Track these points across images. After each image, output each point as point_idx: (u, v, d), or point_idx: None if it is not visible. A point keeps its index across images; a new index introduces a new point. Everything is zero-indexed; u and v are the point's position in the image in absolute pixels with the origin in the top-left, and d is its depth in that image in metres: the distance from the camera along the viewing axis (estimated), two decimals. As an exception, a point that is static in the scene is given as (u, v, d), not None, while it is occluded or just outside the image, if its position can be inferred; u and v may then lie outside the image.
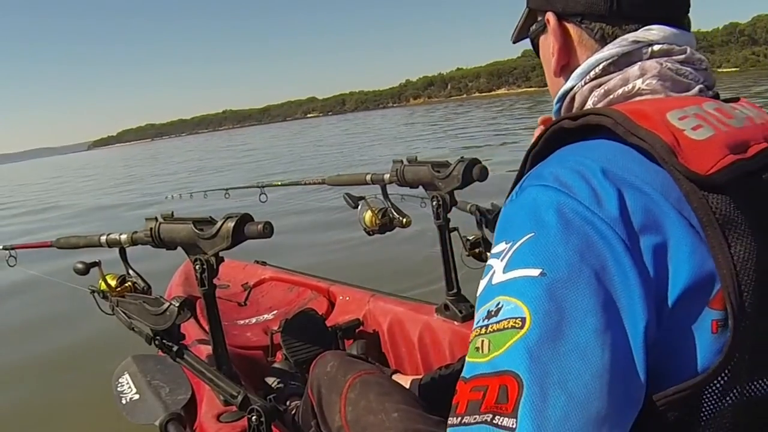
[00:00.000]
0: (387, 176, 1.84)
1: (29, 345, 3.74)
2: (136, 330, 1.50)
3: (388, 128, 28.31)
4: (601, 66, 0.66)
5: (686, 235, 0.52)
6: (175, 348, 1.43)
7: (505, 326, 0.49)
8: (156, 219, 1.46)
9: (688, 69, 0.65)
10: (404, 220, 1.87)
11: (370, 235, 1.89)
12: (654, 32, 0.64)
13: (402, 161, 1.82)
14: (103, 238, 1.60)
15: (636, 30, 0.65)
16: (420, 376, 1.48)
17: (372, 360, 1.67)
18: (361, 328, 1.97)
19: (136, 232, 1.53)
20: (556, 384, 0.46)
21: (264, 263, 2.65)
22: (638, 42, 0.64)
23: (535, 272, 0.50)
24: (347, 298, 2.12)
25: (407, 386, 1.38)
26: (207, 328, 1.53)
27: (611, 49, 0.65)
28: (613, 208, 0.51)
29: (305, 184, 2.40)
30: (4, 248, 2.02)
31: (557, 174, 0.55)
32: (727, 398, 0.52)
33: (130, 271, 1.63)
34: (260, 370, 1.79)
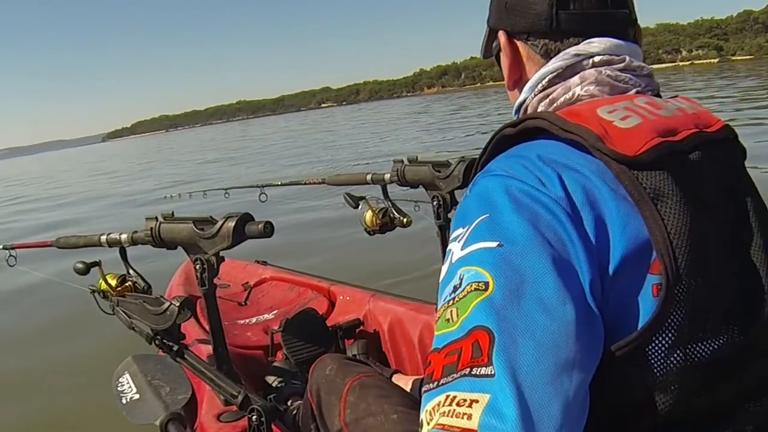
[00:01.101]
0: (387, 176, 1.84)
1: (29, 346, 3.74)
2: (137, 330, 1.49)
3: (404, 118, 27.60)
4: (547, 79, 0.71)
5: (619, 210, 0.57)
6: (175, 348, 1.43)
7: (469, 290, 0.54)
8: (156, 219, 1.46)
9: (628, 75, 0.70)
10: (405, 219, 1.87)
11: (370, 234, 1.89)
12: (595, 45, 0.70)
13: (402, 161, 1.82)
14: (104, 238, 1.60)
15: (578, 44, 0.71)
16: (421, 376, 1.48)
17: (372, 360, 1.68)
18: (362, 327, 1.96)
19: (136, 231, 1.53)
20: (525, 334, 0.50)
21: (264, 263, 2.65)
22: (579, 55, 0.70)
23: (492, 244, 0.55)
24: (347, 298, 2.12)
25: (408, 386, 1.38)
26: (207, 327, 1.53)
27: (555, 63, 0.71)
28: (557, 188, 0.57)
29: (305, 183, 2.40)
30: (4, 248, 2.02)
31: (502, 165, 0.62)
32: (672, 360, 0.56)
33: (131, 271, 1.63)
34: (261, 370, 1.79)
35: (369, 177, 1.91)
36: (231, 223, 1.32)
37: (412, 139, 15.44)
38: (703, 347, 0.57)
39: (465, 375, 0.50)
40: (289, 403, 1.57)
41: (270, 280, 2.48)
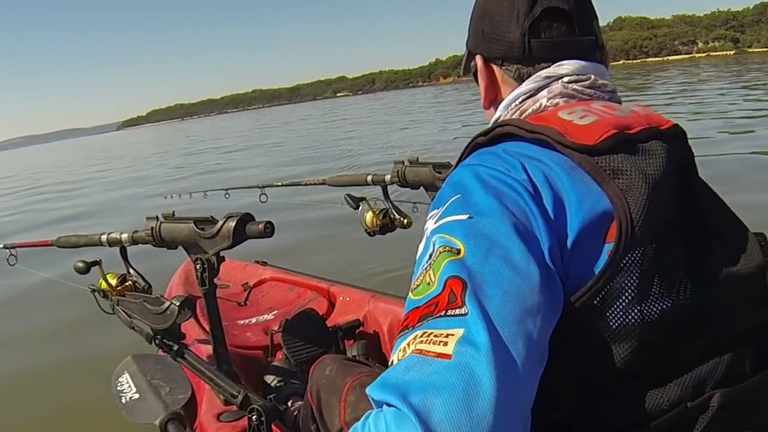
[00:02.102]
0: (388, 177, 1.84)
1: (29, 345, 3.74)
2: (137, 329, 1.49)
3: (426, 108, 26.36)
4: (519, 99, 0.80)
5: (575, 191, 0.64)
6: (175, 347, 1.43)
7: (441, 251, 0.60)
8: (157, 218, 1.46)
9: (593, 90, 0.77)
10: (405, 220, 1.87)
11: (370, 235, 1.89)
12: (564, 67, 0.77)
13: (403, 162, 1.82)
14: (104, 237, 1.60)
15: (549, 66, 0.78)
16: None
17: (372, 361, 1.67)
18: (362, 328, 1.96)
19: (137, 231, 1.53)
20: (493, 286, 0.57)
21: (264, 263, 2.65)
22: (550, 77, 0.78)
23: (463, 216, 0.62)
24: (347, 299, 2.12)
25: (408, 387, 1.38)
26: (207, 327, 1.53)
27: (527, 86, 0.79)
28: (521, 173, 0.65)
29: (306, 184, 2.40)
30: (5, 247, 2.02)
31: (474, 158, 0.71)
32: (629, 316, 0.62)
33: (131, 270, 1.63)
34: (260, 370, 1.79)
35: (369, 178, 1.91)
36: (231, 223, 1.32)
37: (437, 128, 15.19)
38: (657, 306, 0.63)
39: (440, 316, 0.56)
40: (289, 403, 1.57)
41: (270, 281, 2.48)
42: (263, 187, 2.43)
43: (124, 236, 1.56)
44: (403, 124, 18.31)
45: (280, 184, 2.64)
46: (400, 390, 0.53)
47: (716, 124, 9.04)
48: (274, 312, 2.19)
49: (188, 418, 1.43)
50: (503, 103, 0.82)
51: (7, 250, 1.99)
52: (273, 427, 1.25)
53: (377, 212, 1.84)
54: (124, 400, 1.46)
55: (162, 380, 1.48)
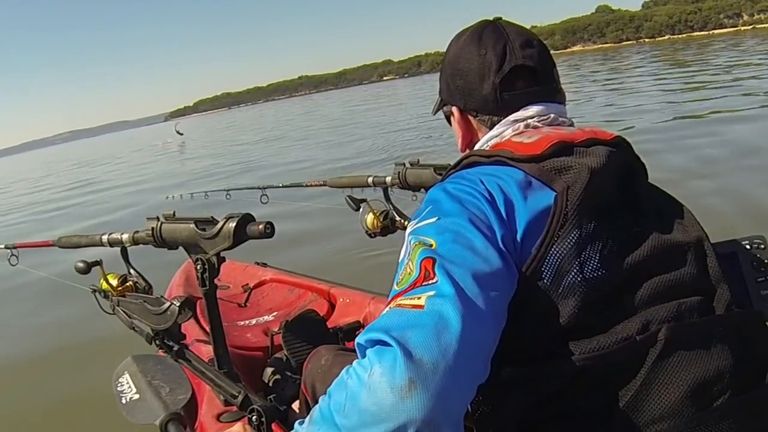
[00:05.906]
0: (389, 179, 1.84)
1: (29, 344, 3.74)
2: (137, 329, 1.49)
3: None
4: (492, 140, 0.94)
5: (522, 194, 0.78)
6: (175, 348, 1.43)
7: (416, 245, 0.75)
8: (157, 219, 1.46)
9: (551, 126, 0.91)
10: (406, 222, 1.87)
11: (371, 237, 1.89)
12: (530, 110, 0.92)
13: (404, 164, 1.82)
14: (105, 238, 1.60)
15: (517, 110, 0.93)
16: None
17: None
18: (362, 330, 1.96)
19: (137, 231, 1.53)
20: (458, 264, 0.71)
21: (264, 264, 2.65)
22: (517, 120, 0.92)
23: (433, 220, 0.77)
24: (348, 300, 2.12)
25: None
26: (207, 328, 1.53)
27: (498, 129, 0.94)
28: (479, 185, 0.80)
29: (307, 185, 2.40)
30: (6, 247, 2.02)
31: (445, 181, 0.86)
32: (574, 279, 0.75)
33: (132, 271, 1.63)
34: (260, 371, 1.79)
35: (370, 180, 1.91)
36: (232, 224, 1.32)
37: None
38: (598, 270, 0.76)
39: (417, 287, 0.69)
40: (294, 405, 1.57)
41: (270, 282, 2.48)
42: (264, 188, 2.43)
43: (125, 236, 1.56)
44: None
45: (281, 185, 2.64)
46: (383, 329, 0.66)
47: None
48: (275, 313, 2.19)
49: (188, 418, 1.43)
50: (477, 145, 0.96)
51: (8, 251, 1.99)
52: (273, 427, 1.25)
53: (378, 214, 1.84)
54: (124, 401, 1.46)
55: (162, 381, 1.48)
